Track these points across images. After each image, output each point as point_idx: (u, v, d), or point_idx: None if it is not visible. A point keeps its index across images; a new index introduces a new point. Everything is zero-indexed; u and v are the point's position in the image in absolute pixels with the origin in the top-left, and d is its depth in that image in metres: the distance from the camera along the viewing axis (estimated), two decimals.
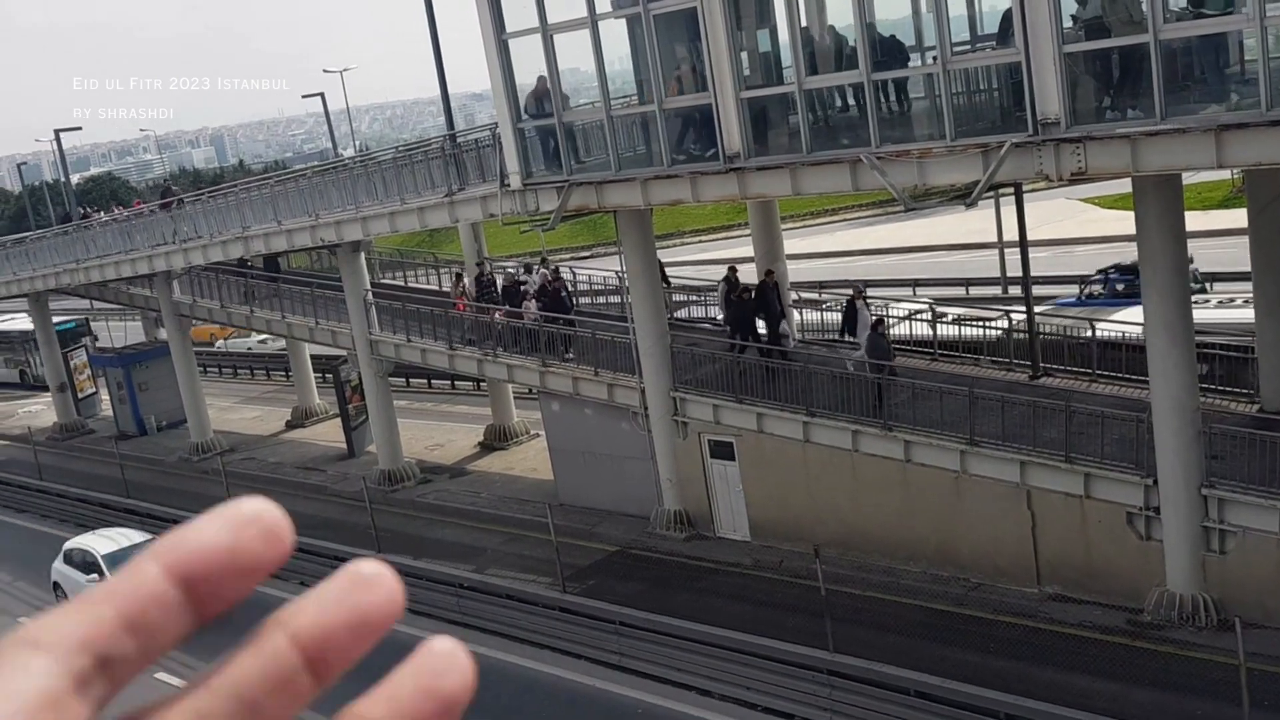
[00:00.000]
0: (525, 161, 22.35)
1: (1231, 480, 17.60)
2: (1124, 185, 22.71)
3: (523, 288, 28.77)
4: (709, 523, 24.08)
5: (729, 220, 54.20)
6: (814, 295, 31.27)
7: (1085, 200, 45.88)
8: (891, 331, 24.40)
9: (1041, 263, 33.61)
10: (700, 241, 56.16)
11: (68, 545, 25.84)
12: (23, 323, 48.07)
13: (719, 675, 18.58)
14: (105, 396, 43.21)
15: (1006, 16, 16.57)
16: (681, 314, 29.14)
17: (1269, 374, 20.47)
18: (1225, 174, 34.80)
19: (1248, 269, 21.67)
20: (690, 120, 20.36)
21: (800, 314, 28.28)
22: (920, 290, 36.48)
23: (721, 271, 27.38)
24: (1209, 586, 17.96)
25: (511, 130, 22.19)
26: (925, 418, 20.83)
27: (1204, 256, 28.20)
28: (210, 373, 46.97)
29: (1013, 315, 24.88)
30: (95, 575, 24.00)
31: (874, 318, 23.34)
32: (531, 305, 27.04)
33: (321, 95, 53.80)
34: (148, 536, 24.19)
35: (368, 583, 0.54)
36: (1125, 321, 23.08)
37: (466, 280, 30.47)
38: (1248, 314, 21.98)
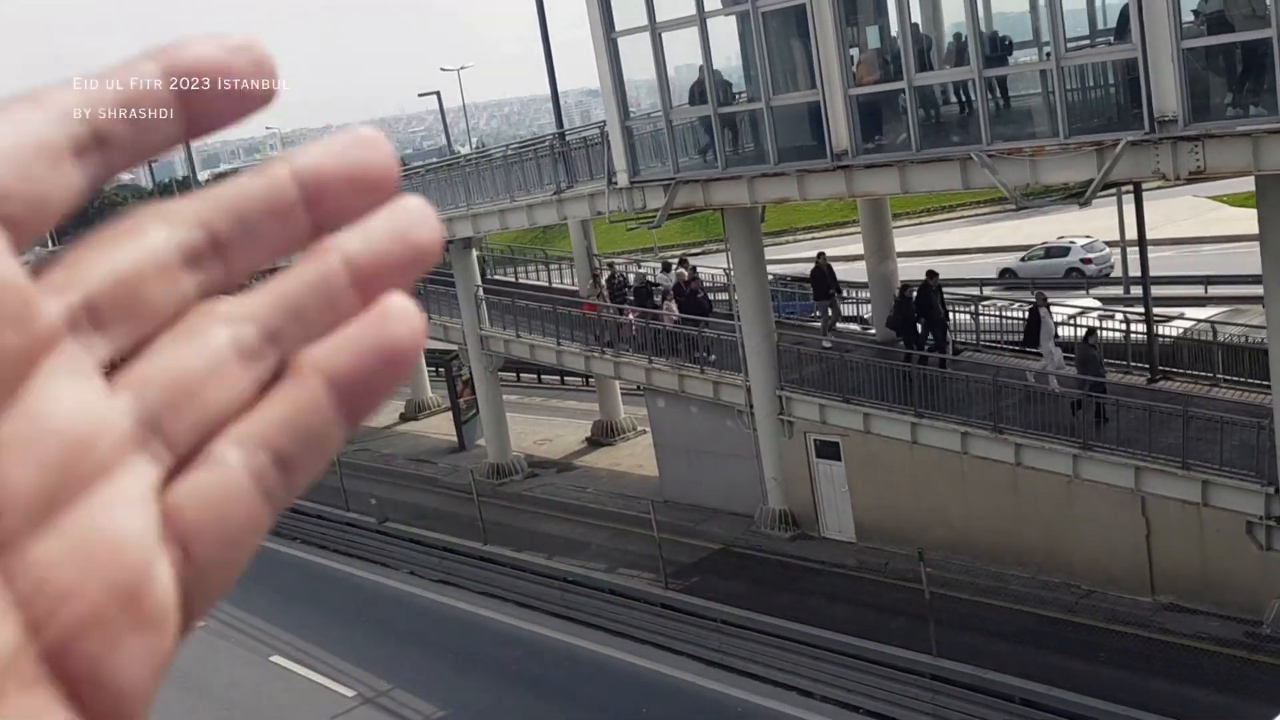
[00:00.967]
0: (632, 159, 22.43)
1: None
2: (1249, 183, 21.87)
3: (657, 288, 28.54)
4: (813, 523, 23.91)
5: (842, 217, 53.65)
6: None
7: (1213, 198, 44.42)
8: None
9: (1163, 262, 32.69)
10: (813, 239, 55.63)
11: None
12: None
13: (820, 676, 18.53)
14: None
15: (1124, 11, 16.18)
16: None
17: None
18: None
19: None
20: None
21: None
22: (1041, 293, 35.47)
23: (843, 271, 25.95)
24: None
25: (619, 128, 22.29)
26: (1037, 420, 20.39)
27: None
28: None
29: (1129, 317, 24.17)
30: None
31: (1084, 329, 22.26)
32: (673, 306, 26.48)
33: (437, 94, 54.75)
34: None
35: (368, 141, 0.54)
36: (1248, 325, 22.27)
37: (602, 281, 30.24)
38: None
